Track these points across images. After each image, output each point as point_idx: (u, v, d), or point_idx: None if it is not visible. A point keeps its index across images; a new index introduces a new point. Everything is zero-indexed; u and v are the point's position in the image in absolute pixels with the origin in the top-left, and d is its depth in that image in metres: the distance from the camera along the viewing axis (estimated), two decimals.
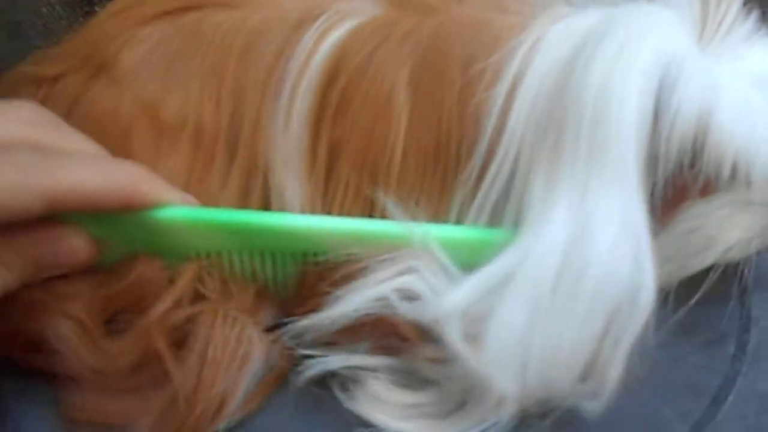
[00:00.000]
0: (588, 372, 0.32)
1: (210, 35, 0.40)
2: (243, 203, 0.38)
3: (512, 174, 0.33)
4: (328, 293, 0.34)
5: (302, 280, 0.37)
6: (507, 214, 0.34)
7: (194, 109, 0.39)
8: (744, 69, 0.33)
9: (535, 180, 0.33)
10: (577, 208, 0.31)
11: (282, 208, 0.38)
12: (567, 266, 0.31)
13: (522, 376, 0.31)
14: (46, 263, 0.34)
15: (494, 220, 0.34)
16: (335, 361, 0.35)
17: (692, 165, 0.33)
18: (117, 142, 0.38)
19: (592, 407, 0.32)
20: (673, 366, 0.37)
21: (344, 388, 0.36)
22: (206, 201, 0.38)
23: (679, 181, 0.33)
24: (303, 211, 0.37)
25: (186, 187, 0.38)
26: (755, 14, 0.35)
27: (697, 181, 0.33)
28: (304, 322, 0.34)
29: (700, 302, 0.36)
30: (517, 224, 0.34)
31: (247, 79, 0.38)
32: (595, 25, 0.34)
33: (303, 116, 0.37)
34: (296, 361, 0.36)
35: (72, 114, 0.40)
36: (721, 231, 0.36)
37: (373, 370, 0.36)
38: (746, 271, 0.38)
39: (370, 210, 0.37)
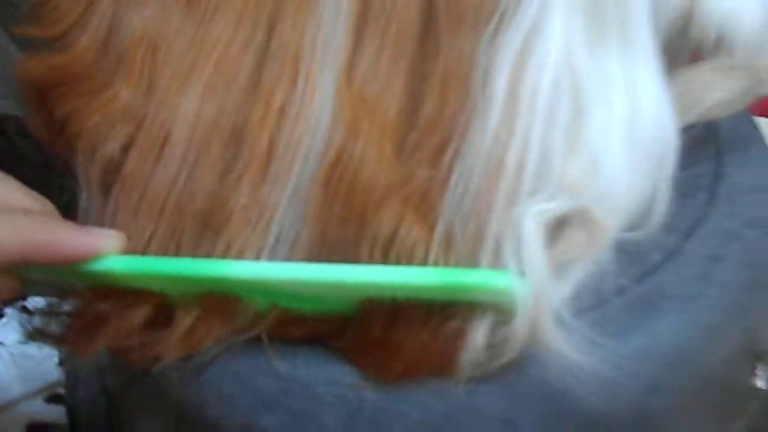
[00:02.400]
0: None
1: None
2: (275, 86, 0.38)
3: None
4: None
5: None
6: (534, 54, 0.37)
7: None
8: None
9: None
10: (626, 73, 0.37)
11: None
12: (632, 124, 0.37)
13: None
14: None
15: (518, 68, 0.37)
16: None
17: (683, 33, 0.38)
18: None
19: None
20: None
21: None
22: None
23: (672, 48, 0.39)
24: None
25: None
26: None
27: (687, 48, 0.39)
28: None
29: (678, 161, 0.39)
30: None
31: None
32: None
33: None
34: None
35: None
36: (705, 92, 0.40)
37: None
38: (722, 134, 0.44)
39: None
